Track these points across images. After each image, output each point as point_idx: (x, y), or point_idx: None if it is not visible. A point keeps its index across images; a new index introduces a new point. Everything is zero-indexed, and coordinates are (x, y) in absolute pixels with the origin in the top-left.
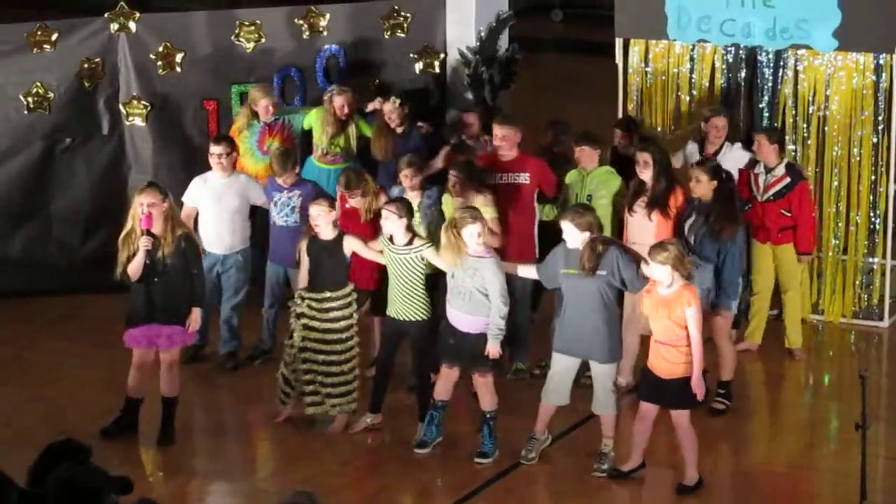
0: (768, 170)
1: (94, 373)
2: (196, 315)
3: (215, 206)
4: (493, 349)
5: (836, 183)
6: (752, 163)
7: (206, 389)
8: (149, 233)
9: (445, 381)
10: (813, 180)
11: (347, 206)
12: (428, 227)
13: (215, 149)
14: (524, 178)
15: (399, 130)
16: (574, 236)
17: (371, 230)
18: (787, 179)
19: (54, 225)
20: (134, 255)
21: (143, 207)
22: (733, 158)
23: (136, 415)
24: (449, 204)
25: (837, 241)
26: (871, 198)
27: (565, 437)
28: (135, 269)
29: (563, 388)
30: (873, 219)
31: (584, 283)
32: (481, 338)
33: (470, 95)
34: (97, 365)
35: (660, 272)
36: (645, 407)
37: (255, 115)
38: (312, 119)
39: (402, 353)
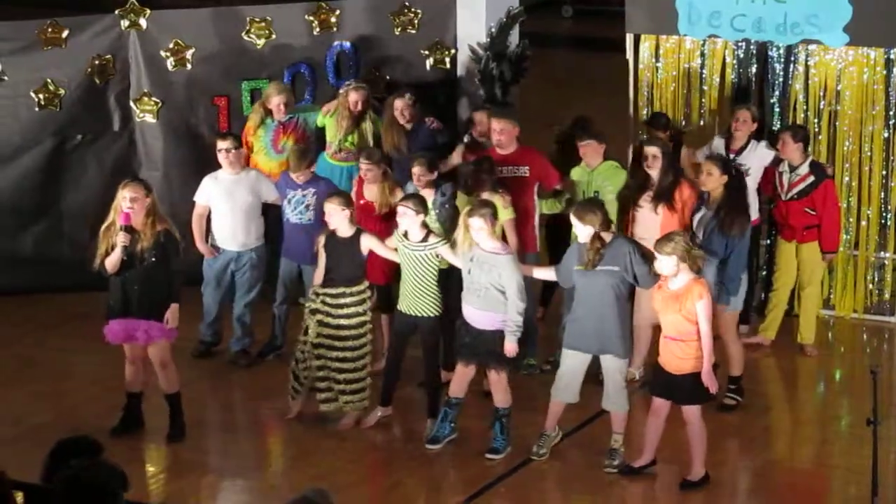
0: (792, 168)
1: (105, 370)
2: (173, 311)
3: (227, 203)
4: (510, 346)
5: (846, 178)
6: (777, 161)
7: (217, 386)
8: (128, 228)
9: (461, 379)
10: None
11: (362, 201)
12: (442, 224)
13: (222, 144)
14: (524, 171)
15: (409, 126)
16: (581, 231)
17: (385, 225)
18: (812, 178)
19: (65, 222)
20: (113, 248)
21: (125, 202)
22: (758, 156)
23: (139, 409)
24: (463, 201)
25: (848, 237)
26: (882, 193)
27: (576, 434)
28: (112, 263)
29: (572, 386)
30: (884, 214)
31: (597, 280)
32: (497, 334)
33: (480, 91)
34: (108, 362)
35: (666, 263)
36: (658, 403)
37: (267, 112)
38: (326, 116)
39: (412, 348)
